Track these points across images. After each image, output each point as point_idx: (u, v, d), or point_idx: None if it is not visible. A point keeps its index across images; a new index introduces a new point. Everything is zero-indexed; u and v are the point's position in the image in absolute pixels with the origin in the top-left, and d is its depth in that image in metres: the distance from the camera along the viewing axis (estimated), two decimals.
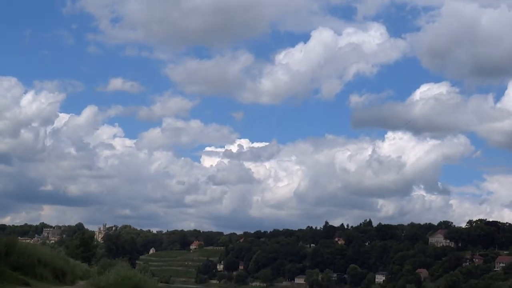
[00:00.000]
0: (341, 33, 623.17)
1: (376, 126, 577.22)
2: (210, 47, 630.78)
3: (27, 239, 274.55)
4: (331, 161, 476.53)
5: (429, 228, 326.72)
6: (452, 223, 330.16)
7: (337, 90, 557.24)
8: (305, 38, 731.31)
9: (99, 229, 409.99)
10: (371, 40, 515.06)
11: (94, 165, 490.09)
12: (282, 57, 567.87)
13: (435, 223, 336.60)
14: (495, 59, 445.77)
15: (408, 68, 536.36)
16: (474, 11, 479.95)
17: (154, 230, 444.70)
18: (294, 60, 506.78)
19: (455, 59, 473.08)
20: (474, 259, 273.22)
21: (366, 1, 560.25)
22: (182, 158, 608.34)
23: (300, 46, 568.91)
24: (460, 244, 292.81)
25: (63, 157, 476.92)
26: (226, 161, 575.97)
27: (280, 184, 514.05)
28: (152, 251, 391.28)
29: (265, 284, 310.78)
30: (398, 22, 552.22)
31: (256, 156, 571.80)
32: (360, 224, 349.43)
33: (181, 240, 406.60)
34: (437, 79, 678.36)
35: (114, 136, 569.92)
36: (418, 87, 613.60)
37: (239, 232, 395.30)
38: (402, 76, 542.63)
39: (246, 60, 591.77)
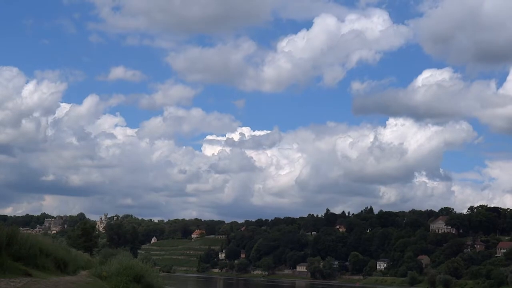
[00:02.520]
0: (343, 19, 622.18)
1: (378, 112, 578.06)
2: (212, 35, 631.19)
3: (29, 230, 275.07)
4: (333, 148, 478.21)
5: (430, 215, 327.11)
6: (453, 209, 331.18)
7: (340, 77, 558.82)
8: (308, 25, 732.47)
9: (101, 218, 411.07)
10: (374, 27, 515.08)
11: (95, 155, 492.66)
12: (284, 44, 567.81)
13: (437, 209, 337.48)
14: (497, 44, 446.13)
15: (411, 54, 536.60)
16: None
17: (156, 220, 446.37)
18: (296, 48, 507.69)
19: (457, 45, 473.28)
20: (475, 245, 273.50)
21: None
22: (184, 147, 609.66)
23: (302, 33, 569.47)
24: (461, 231, 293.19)
25: (64, 147, 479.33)
26: (227, 149, 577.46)
27: (282, 172, 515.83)
28: (153, 240, 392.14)
29: (266, 272, 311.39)
30: (401, 8, 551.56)
31: (258, 144, 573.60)
32: (361, 211, 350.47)
33: (183, 229, 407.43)
34: (439, 65, 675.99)
35: (116, 125, 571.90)
36: (420, 73, 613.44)
37: (241, 220, 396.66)
38: (404, 62, 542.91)
39: (249, 48, 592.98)
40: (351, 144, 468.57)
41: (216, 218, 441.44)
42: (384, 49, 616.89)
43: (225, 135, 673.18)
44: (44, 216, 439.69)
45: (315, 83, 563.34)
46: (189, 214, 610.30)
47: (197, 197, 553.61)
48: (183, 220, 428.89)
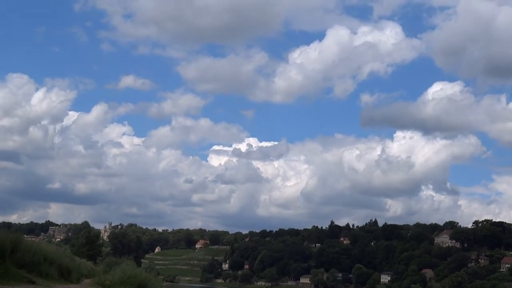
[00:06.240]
0: (356, 32, 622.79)
1: (386, 125, 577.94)
2: (223, 45, 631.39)
3: (33, 237, 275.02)
4: (340, 160, 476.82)
5: (435, 228, 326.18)
6: (458, 223, 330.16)
7: (350, 89, 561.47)
8: (320, 36, 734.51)
9: (105, 227, 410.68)
10: (387, 40, 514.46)
11: (102, 163, 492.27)
12: (296, 55, 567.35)
13: (443, 223, 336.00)
14: (509, 58, 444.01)
15: (422, 67, 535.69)
16: (490, 9, 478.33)
17: (160, 229, 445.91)
18: (308, 59, 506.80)
19: (469, 58, 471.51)
20: (479, 260, 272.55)
21: (382, 0, 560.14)
22: (191, 156, 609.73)
23: (315, 44, 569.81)
24: (465, 245, 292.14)
25: (71, 155, 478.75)
26: (234, 160, 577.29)
27: (288, 183, 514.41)
28: (157, 250, 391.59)
29: (270, 284, 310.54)
30: (414, 21, 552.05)
31: (265, 155, 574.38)
32: (366, 224, 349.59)
33: (187, 239, 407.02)
34: (450, 78, 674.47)
35: (123, 134, 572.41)
36: (430, 86, 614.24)
37: (245, 231, 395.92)
38: (416, 75, 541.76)
39: (260, 59, 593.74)
40: (358, 157, 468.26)
41: (221, 228, 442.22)
42: (396, 62, 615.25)
43: (232, 146, 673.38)
44: (49, 223, 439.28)
45: (325, 94, 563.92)
46: (194, 224, 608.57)
47: (203, 207, 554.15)
48: (187, 230, 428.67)
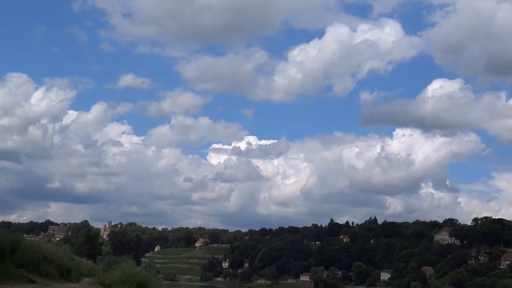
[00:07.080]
0: (356, 29, 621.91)
1: (385, 123, 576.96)
2: (223, 44, 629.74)
3: (32, 237, 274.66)
4: (339, 158, 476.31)
5: (434, 226, 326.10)
6: (457, 220, 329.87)
7: (350, 87, 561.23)
8: (320, 34, 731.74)
9: (105, 226, 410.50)
10: (386, 38, 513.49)
11: (102, 162, 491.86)
12: (296, 53, 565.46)
13: (443, 220, 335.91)
14: (509, 56, 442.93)
15: (422, 65, 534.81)
16: (490, 7, 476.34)
17: (160, 228, 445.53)
18: (308, 57, 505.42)
19: (468, 55, 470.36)
20: (479, 257, 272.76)
21: None
22: (190, 155, 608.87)
23: (314, 42, 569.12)
24: (465, 242, 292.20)
25: (71, 154, 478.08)
26: (234, 158, 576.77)
27: (288, 182, 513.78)
28: (157, 248, 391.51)
29: (270, 282, 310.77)
30: (414, 19, 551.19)
31: (265, 153, 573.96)
32: (365, 221, 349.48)
33: (186, 237, 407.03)
34: (450, 76, 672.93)
35: (123, 133, 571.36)
36: (430, 83, 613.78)
37: (245, 229, 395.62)
38: (415, 73, 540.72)
39: (260, 58, 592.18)
40: (358, 155, 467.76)
41: (220, 226, 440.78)
42: (396, 59, 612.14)
43: (231, 144, 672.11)
44: (48, 223, 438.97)
45: (325, 93, 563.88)
46: (194, 222, 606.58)
47: (203, 206, 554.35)
48: (187, 228, 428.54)
